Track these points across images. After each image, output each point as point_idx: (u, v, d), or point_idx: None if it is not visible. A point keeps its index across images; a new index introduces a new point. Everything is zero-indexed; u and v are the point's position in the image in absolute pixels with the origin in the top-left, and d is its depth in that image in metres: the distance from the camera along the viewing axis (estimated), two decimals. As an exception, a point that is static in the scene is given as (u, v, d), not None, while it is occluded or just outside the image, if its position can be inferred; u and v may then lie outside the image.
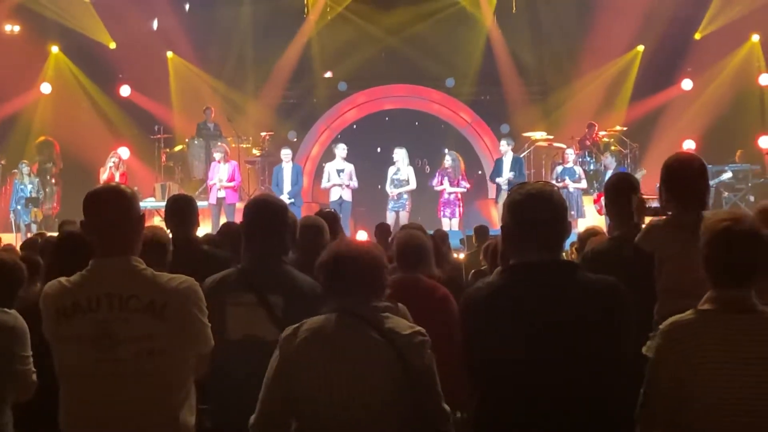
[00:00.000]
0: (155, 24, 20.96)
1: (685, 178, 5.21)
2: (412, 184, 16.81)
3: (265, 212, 4.53)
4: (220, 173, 16.70)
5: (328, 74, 22.04)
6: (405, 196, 16.77)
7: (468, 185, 17.25)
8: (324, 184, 17.14)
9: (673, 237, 5.01)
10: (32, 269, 5.54)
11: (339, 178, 16.75)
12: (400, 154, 16.89)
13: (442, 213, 16.97)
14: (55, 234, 8.74)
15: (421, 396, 3.45)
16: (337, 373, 3.40)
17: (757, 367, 3.28)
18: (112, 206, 3.55)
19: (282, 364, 3.51)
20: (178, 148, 19.88)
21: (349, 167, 16.91)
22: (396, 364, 3.39)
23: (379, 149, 19.64)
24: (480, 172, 21.07)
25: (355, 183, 16.90)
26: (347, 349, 3.43)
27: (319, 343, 3.46)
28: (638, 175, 16.56)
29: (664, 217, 5.29)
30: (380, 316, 3.51)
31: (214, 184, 16.66)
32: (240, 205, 16.59)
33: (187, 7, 21.15)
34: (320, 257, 3.73)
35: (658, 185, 5.25)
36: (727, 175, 18.20)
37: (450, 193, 16.93)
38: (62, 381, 3.51)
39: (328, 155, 18.92)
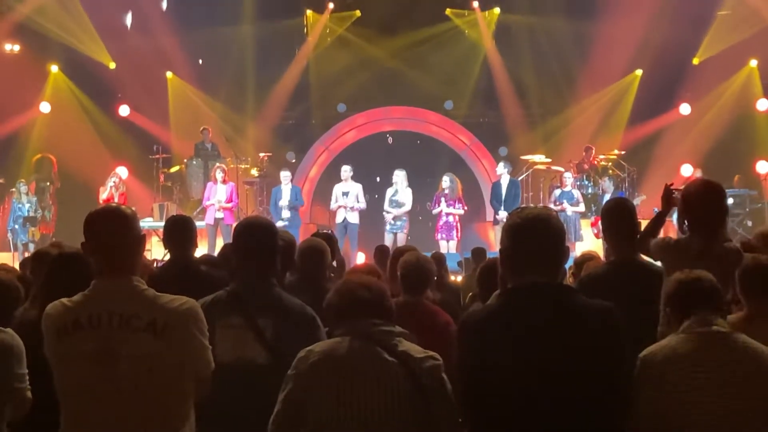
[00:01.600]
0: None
1: (698, 205, 5.28)
2: (408, 206, 16.81)
3: (254, 235, 4.52)
4: (219, 194, 16.69)
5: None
6: (404, 218, 16.78)
7: (464, 208, 17.23)
8: (332, 205, 17.14)
9: (681, 259, 5.05)
10: (28, 288, 5.56)
11: (344, 200, 16.75)
12: (399, 176, 16.90)
13: (439, 235, 16.95)
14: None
15: (439, 419, 3.44)
16: (349, 396, 3.40)
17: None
18: (112, 227, 3.57)
19: (294, 386, 3.52)
20: (174, 168, 19.87)
21: (356, 188, 16.89)
22: (409, 387, 3.39)
23: (378, 179, 19.61)
24: (478, 195, 21.08)
25: (361, 205, 16.87)
26: (360, 371, 3.43)
27: (331, 366, 3.46)
28: (637, 201, 16.64)
29: (676, 237, 5.35)
30: (394, 340, 3.53)
31: (212, 204, 16.63)
32: (239, 227, 16.55)
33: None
34: (334, 287, 3.75)
35: (655, 209, 5.31)
36: (729, 201, 18.19)
37: (447, 215, 16.92)
38: (63, 399, 3.51)
39: (326, 176, 18.93)
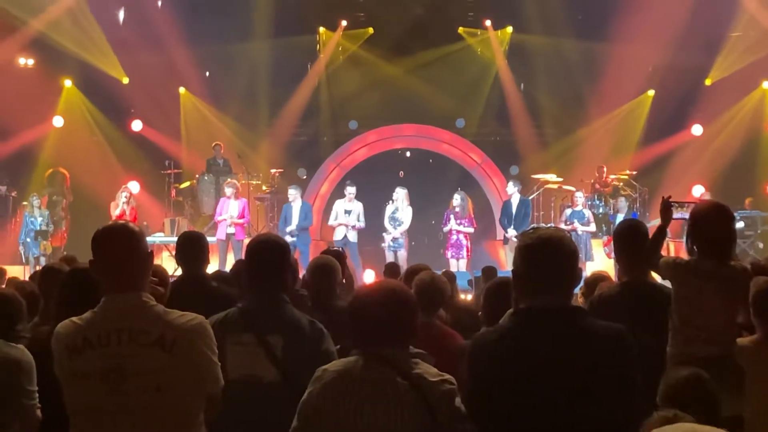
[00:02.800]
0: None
1: (707, 228, 5.28)
2: (406, 225, 16.80)
3: (266, 252, 4.51)
4: (231, 210, 16.71)
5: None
6: (401, 235, 16.78)
7: (474, 227, 17.22)
8: (331, 221, 17.14)
9: (690, 280, 5.08)
10: (37, 303, 5.56)
11: (346, 218, 16.76)
12: (400, 194, 16.89)
13: (449, 254, 16.94)
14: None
15: None
16: (360, 418, 3.35)
17: None
18: (120, 244, 3.58)
19: (309, 406, 3.46)
20: (185, 184, 19.90)
21: (358, 208, 16.88)
22: (420, 411, 3.32)
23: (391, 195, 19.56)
24: (488, 213, 21.08)
25: (361, 224, 16.87)
26: (371, 393, 3.37)
27: (343, 387, 3.41)
28: (652, 224, 16.57)
29: (688, 258, 5.36)
30: (409, 362, 3.45)
31: (224, 219, 16.65)
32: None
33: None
34: (350, 301, 3.68)
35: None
36: (740, 225, 18.17)
37: (458, 233, 16.90)
38: (73, 418, 3.51)
39: (337, 193, 18.96)
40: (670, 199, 5.78)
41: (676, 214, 5.82)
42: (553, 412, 3.15)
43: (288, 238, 15.14)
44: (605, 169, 19.44)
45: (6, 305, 4.85)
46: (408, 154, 22.43)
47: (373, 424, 3.33)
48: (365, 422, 3.34)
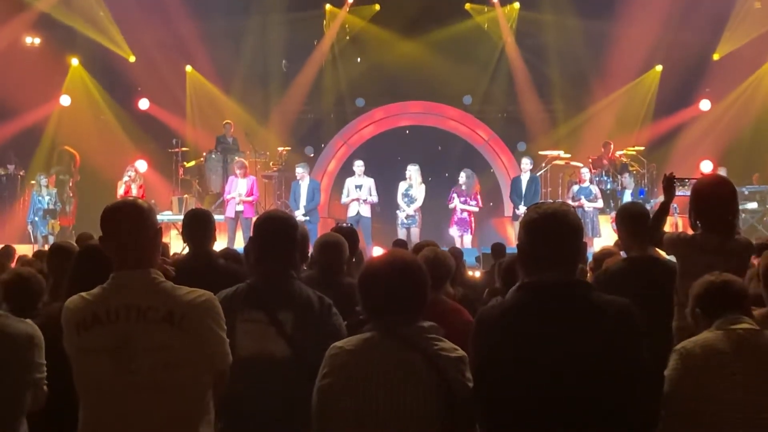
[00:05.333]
0: None
1: (711, 203, 5.28)
2: (420, 201, 16.86)
3: (274, 228, 4.50)
4: (240, 187, 16.73)
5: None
6: (415, 212, 16.80)
7: (479, 205, 17.23)
8: (343, 199, 17.17)
9: (696, 255, 5.09)
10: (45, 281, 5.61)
11: (357, 193, 16.76)
12: (413, 171, 16.93)
13: (455, 230, 16.97)
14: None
15: (461, 423, 3.35)
16: (375, 394, 3.31)
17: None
18: (129, 220, 3.56)
19: (323, 386, 3.42)
20: (191, 163, 19.90)
21: (368, 182, 16.90)
22: (439, 390, 3.29)
23: (400, 158, 19.47)
24: (496, 190, 21.08)
25: (374, 198, 16.88)
26: (386, 369, 3.33)
27: (358, 364, 3.37)
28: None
29: (692, 232, 5.36)
30: (426, 338, 3.40)
31: (233, 198, 16.67)
32: (258, 220, 16.58)
33: None
34: (359, 273, 3.65)
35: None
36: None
37: (462, 210, 16.94)
38: (81, 394, 3.52)
39: (345, 171, 18.95)
40: (674, 176, 5.79)
41: (680, 191, 5.82)
42: (559, 386, 3.14)
43: (300, 218, 15.17)
44: (612, 146, 19.39)
45: (27, 284, 4.95)
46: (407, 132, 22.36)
47: (392, 403, 3.29)
48: (383, 402, 3.30)
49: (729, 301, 4.02)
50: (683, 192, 5.77)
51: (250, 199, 16.76)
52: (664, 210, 5.66)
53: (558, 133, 21.21)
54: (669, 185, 5.72)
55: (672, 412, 3.75)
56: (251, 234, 4.72)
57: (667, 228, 5.90)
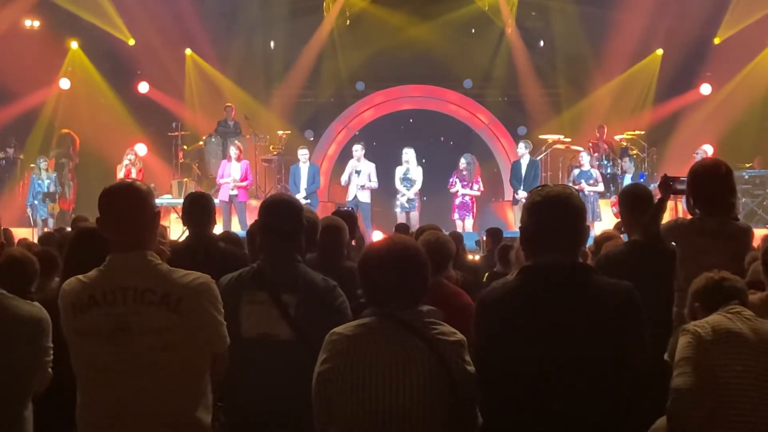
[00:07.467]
0: None
1: (709, 185, 5.26)
2: (419, 184, 16.84)
3: (280, 212, 4.50)
4: (233, 172, 16.71)
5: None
6: (415, 196, 16.78)
7: (481, 189, 17.22)
8: (343, 178, 17.11)
9: (695, 240, 5.08)
10: (50, 264, 5.59)
11: (357, 179, 16.72)
12: (409, 154, 16.89)
13: (456, 215, 16.96)
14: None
15: (462, 406, 3.35)
16: (374, 384, 3.30)
17: None
18: (127, 202, 3.56)
19: (322, 372, 3.41)
20: (191, 147, 19.87)
21: (369, 167, 16.82)
22: (439, 374, 3.29)
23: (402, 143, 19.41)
24: (496, 173, 21.06)
25: (374, 184, 16.81)
26: (386, 354, 3.32)
27: (357, 349, 3.36)
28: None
29: (690, 216, 5.35)
30: (425, 322, 3.40)
31: (227, 182, 16.66)
32: (254, 203, 16.60)
33: None
34: (359, 258, 3.64)
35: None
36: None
37: (463, 195, 16.93)
38: (79, 376, 3.52)
39: (345, 155, 18.92)
40: (668, 177, 5.79)
41: (679, 186, 5.79)
42: (560, 368, 3.15)
43: (302, 201, 15.14)
44: (605, 129, 19.34)
45: (20, 266, 4.94)
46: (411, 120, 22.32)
47: (392, 387, 3.29)
48: (383, 386, 3.29)
49: (728, 295, 4.15)
50: (682, 187, 5.74)
51: (243, 183, 16.76)
52: (660, 207, 5.65)
53: (559, 118, 21.15)
54: (666, 186, 5.69)
55: (681, 385, 3.85)
56: (247, 218, 4.71)
57: (668, 211, 5.89)
